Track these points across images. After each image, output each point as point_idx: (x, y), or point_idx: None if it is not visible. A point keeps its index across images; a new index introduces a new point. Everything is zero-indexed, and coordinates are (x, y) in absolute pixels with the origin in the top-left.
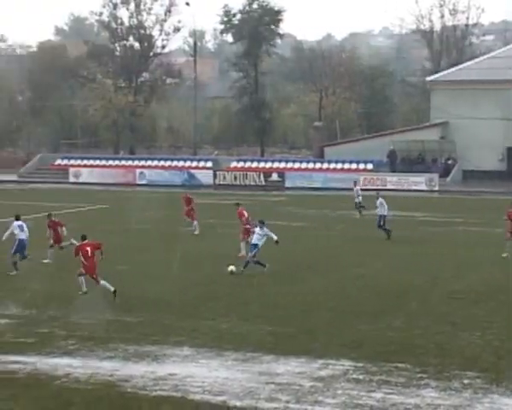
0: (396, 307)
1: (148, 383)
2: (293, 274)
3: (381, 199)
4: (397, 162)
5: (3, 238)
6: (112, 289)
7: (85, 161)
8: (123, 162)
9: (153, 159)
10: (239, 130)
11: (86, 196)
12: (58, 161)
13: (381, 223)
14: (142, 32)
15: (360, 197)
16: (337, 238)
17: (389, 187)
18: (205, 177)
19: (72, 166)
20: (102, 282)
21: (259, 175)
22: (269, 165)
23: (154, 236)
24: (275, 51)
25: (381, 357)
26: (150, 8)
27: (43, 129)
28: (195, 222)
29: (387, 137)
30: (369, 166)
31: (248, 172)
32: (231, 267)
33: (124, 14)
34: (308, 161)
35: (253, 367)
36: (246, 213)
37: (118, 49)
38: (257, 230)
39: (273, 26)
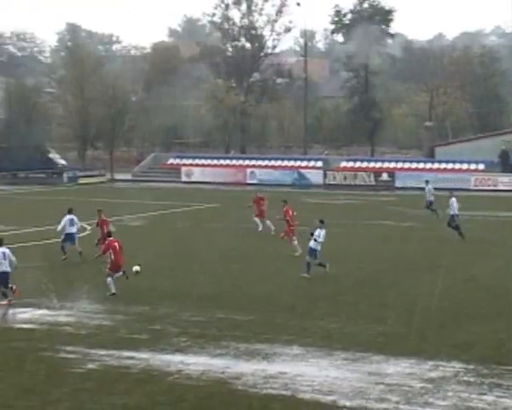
0: (508, 309)
1: (258, 381)
2: (402, 274)
3: (453, 198)
4: (509, 162)
5: (58, 229)
6: (113, 291)
7: (197, 161)
8: (234, 162)
9: (263, 158)
10: (349, 129)
11: (197, 195)
12: (170, 161)
13: (454, 223)
14: (254, 32)
15: (432, 197)
16: (447, 239)
17: (500, 188)
18: (315, 176)
19: (184, 165)
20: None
21: (369, 175)
22: (379, 165)
23: (262, 235)
24: (385, 51)
25: (492, 359)
26: (261, 9)
27: (157, 129)
28: (268, 222)
29: (500, 137)
30: (481, 166)
31: (358, 172)
32: (136, 267)
33: (235, 14)
34: (418, 161)
35: (363, 367)
36: (291, 213)
37: (229, 49)
38: (316, 232)
39: (384, 26)
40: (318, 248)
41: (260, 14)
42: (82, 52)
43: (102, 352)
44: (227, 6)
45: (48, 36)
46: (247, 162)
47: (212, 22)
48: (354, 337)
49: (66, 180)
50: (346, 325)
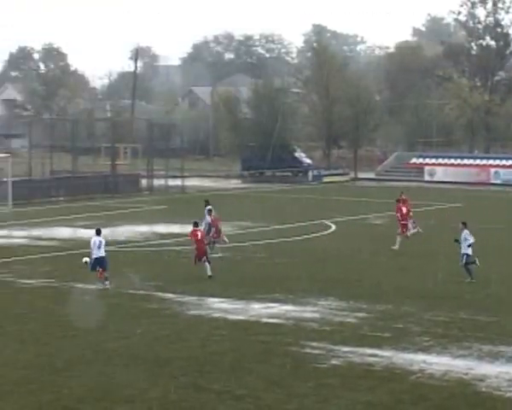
0: None
1: (502, 384)
2: None
3: None
4: None
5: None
6: (209, 273)
7: (440, 160)
8: (477, 161)
9: (508, 158)
10: None
11: (441, 195)
12: (413, 160)
13: None
14: (499, 30)
15: None
16: None
17: None
18: None
19: (427, 164)
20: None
21: None
22: None
23: (505, 237)
24: None
25: None
26: (509, 7)
27: (400, 128)
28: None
29: None
30: None
31: None
32: (85, 259)
33: (481, 12)
34: None
35: None
36: (404, 209)
37: (474, 48)
38: (462, 236)
39: None
40: (469, 251)
41: (507, 12)
42: (327, 53)
43: (346, 348)
44: (473, 4)
45: (294, 37)
46: (490, 162)
47: (457, 20)
48: None
49: (311, 179)
50: None
